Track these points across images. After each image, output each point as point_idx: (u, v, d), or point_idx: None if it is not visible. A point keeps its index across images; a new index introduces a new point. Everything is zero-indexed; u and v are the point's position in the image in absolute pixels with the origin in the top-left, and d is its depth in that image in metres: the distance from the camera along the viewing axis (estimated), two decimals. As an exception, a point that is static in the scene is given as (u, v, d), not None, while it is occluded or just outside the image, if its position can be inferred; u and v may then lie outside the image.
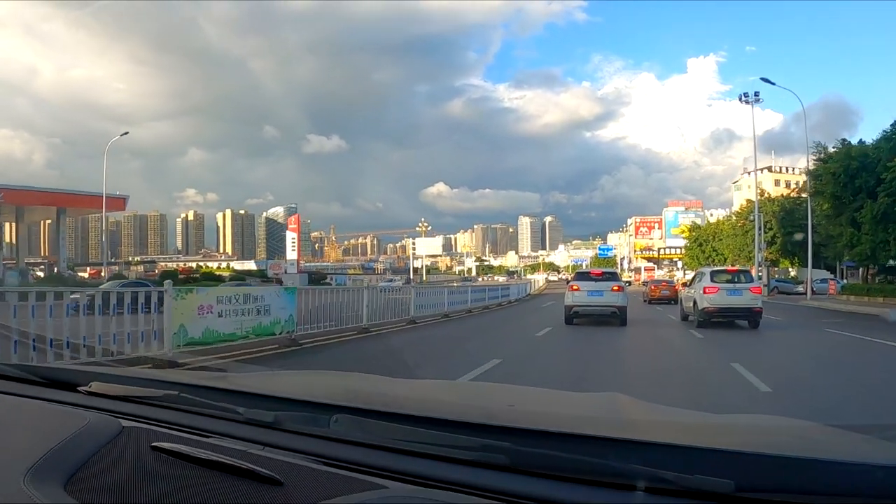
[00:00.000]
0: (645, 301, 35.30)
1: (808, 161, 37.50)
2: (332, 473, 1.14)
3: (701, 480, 0.95)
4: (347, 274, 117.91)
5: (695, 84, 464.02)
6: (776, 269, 61.44)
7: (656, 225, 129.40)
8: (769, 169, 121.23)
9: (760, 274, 50.10)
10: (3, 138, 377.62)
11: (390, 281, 67.76)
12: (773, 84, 39.38)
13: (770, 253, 58.28)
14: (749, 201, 64.51)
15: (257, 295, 12.23)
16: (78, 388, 1.66)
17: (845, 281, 48.32)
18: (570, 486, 1.04)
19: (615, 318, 18.02)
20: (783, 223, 58.08)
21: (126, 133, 59.12)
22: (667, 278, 55.71)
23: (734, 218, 67.81)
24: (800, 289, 48.45)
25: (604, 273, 20.53)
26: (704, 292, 17.51)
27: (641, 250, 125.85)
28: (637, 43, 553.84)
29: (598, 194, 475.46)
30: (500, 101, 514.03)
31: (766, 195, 63.66)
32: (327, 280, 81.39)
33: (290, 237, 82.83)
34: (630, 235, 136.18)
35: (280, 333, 12.43)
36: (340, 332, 14.50)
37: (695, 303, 18.04)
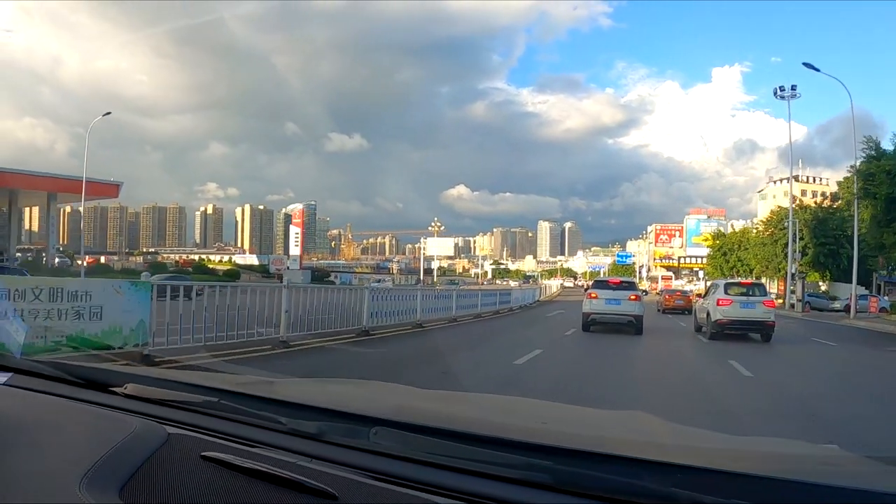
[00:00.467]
0: (659, 310, 33.97)
1: (855, 158, 32.54)
2: (384, 489, 1.13)
3: None
4: (355, 272, 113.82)
5: (719, 94, 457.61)
6: (805, 282, 56.65)
7: (677, 233, 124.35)
8: (796, 178, 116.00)
9: (793, 288, 45.46)
10: (27, 126, 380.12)
11: (379, 281, 63.68)
12: (817, 70, 34.23)
13: (801, 265, 53.57)
14: (781, 208, 59.43)
15: (78, 291, 8.08)
16: (111, 389, 1.65)
17: (885, 298, 43.25)
18: None
19: (631, 326, 17.79)
20: (815, 233, 53.28)
21: (108, 114, 55.03)
22: (682, 288, 53.90)
23: (761, 226, 62.13)
24: (836, 305, 43.60)
25: (622, 282, 20.37)
26: (718, 304, 17.30)
27: (661, 258, 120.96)
28: (662, 51, 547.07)
29: (618, 201, 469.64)
30: (523, 105, 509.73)
31: (797, 202, 58.67)
32: (331, 278, 77.83)
33: (294, 232, 78.76)
34: (650, 243, 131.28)
35: (122, 346, 8.37)
36: (242, 347, 10.39)
37: (708, 314, 17.79)
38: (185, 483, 1.14)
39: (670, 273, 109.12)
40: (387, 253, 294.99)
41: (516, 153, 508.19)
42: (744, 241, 66.84)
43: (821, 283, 57.22)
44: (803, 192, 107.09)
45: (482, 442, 1.20)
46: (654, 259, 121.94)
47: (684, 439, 1.55)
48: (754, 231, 67.14)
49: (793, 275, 45.16)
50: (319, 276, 76.73)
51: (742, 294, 17.73)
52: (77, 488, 1.08)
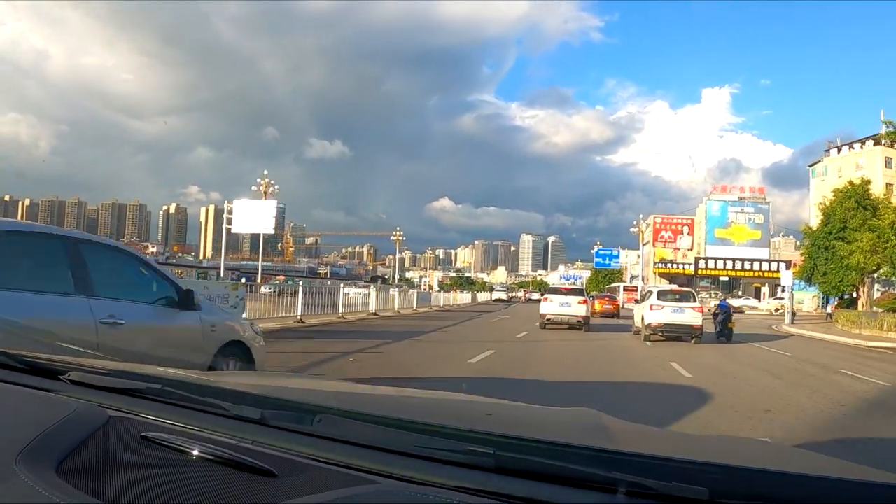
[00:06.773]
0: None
1: None
2: (325, 468, 1.10)
3: (678, 487, 0.96)
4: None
5: (708, 114, 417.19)
6: None
7: (686, 228, 77.80)
8: (875, 141, 69.40)
9: None
10: (11, 122, 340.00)
11: None
12: None
13: None
14: None
15: None
16: (59, 377, 1.56)
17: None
18: (555, 487, 1.02)
19: (580, 325, 20.23)
20: None
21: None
22: (609, 294, 43.26)
23: None
24: None
25: (572, 289, 23.38)
26: (651, 309, 17.56)
27: (662, 262, 74.60)
28: (652, 69, 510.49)
29: (602, 219, 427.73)
30: (511, 118, 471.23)
31: None
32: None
33: None
34: (645, 243, 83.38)
35: None
36: None
37: (643, 318, 18.01)
38: (123, 461, 1.08)
39: (675, 286, 62.56)
40: (365, 260, 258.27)
41: (502, 167, 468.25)
42: None
43: None
44: (888, 160, 63.80)
45: (426, 430, 1.17)
46: (655, 263, 75.27)
47: (632, 432, 1.52)
48: None
49: None
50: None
51: (674, 300, 17.76)
52: (13, 463, 1.01)
